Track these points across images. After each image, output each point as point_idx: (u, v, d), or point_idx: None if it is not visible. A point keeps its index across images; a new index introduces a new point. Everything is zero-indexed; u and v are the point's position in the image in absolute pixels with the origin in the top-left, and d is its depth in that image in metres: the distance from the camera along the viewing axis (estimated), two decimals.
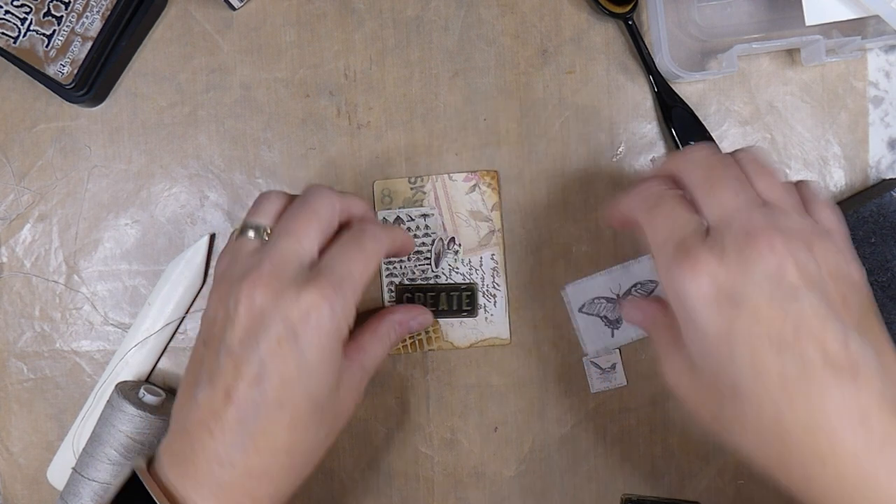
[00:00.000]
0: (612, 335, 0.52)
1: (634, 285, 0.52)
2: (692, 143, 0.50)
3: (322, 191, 0.42)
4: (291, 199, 0.43)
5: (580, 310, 0.52)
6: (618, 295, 0.52)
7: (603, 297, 0.52)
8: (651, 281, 0.52)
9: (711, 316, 0.34)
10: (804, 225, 0.35)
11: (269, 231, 0.41)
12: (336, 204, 0.41)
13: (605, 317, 0.52)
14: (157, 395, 0.50)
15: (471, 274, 0.52)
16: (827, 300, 0.34)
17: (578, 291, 0.52)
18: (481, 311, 0.52)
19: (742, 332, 0.34)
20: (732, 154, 0.39)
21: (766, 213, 0.35)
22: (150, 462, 0.40)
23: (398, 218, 0.52)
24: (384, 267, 0.52)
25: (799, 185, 0.39)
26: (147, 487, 0.37)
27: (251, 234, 0.41)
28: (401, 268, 0.52)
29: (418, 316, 0.48)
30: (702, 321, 0.34)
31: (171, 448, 0.39)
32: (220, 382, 0.37)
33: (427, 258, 0.52)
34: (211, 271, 0.52)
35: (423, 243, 0.52)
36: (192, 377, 0.39)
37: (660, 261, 0.37)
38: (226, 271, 0.41)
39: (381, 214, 0.52)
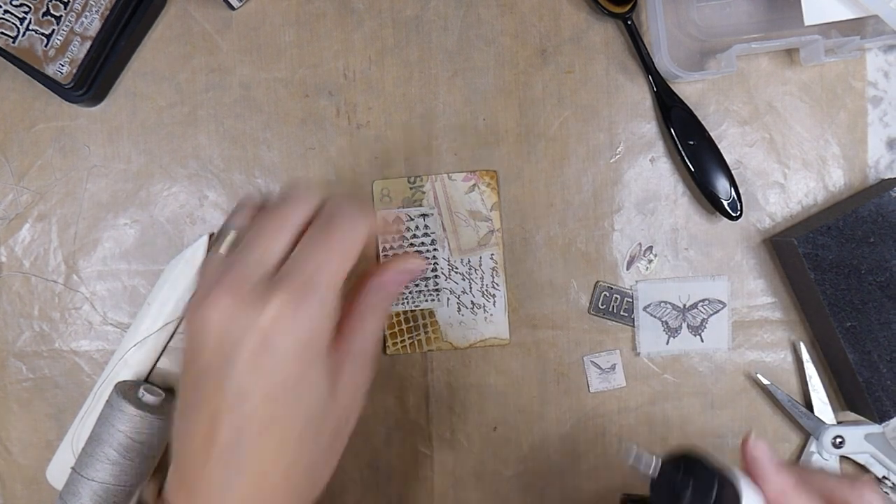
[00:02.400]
0: (668, 342, 0.52)
1: (703, 300, 0.52)
2: (692, 142, 0.50)
3: (297, 196, 0.38)
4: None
5: (645, 308, 0.52)
6: (684, 305, 0.52)
7: (669, 303, 0.52)
8: (720, 301, 0.52)
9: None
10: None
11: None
12: (313, 208, 0.37)
13: (666, 322, 0.52)
14: (157, 394, 0.50)
15: (470, 274, 0.52)
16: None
17: (648, 290, 0.52)
18: (480, 311, 0.52)
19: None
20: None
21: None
22: (162, 487, 0.39)
23: (397, 218, 0.52)
24: (382, 257, 0.52)
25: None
26: None
27: (222, 247, 0.39)
28: None
29: (405, 265, 0.42)
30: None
31: (176, 474, 0.38)
32: (205, 408, 0.35)
33: (426, 257, 0.52)
34: None
35: (423, 243, 0.52)
36: (184, 402, 0.38)
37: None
38: (195, 291, 0.39)
39: (380, 215, 0.52)
